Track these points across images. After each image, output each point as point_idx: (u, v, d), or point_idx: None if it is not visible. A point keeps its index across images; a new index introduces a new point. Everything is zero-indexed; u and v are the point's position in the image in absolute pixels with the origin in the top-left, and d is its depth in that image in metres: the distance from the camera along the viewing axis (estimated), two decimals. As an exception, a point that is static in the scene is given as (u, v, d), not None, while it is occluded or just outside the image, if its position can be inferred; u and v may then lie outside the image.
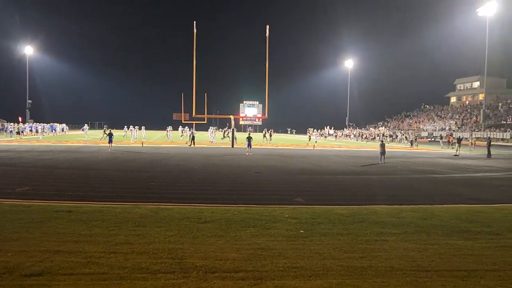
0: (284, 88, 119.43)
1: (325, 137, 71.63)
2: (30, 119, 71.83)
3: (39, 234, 7.23)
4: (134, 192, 12.55)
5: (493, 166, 24.08)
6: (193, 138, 38.39)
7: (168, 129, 51.36)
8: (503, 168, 23.08)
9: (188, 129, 55.07)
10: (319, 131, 77.77)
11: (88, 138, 48.42)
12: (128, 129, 48.81)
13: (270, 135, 50.97)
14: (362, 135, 68.53)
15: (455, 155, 33.26)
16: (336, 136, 75.35)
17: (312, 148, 40.21)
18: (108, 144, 31.20)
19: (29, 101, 74.45)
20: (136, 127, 46.42)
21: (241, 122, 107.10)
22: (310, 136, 47.40)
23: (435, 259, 6.35)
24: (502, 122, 69.67)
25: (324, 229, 8.13)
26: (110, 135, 31.29)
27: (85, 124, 57.16)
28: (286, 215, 9.28)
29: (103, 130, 50.30)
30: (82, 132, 56.05)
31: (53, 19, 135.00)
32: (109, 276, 5.33)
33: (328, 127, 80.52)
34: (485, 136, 51.43)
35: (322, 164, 23.04)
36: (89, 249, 6.41)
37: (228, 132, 49.49)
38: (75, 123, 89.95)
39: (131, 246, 6.63)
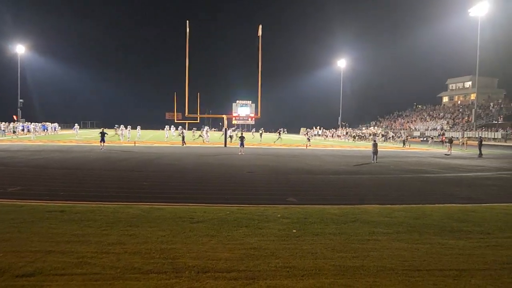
0: (277, 87, 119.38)
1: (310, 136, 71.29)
2: (21, 118, 71.33)
3: (31, 234, 7.19)
4: (126, 191, 12.51)
5: (484, 166, 24.27)
6: (183, 138, 38.37)
7: (166, 129, 51.33)
8: (494, 168, 23.27)
9: (180, 129, 54.95)
10: (310, 131, 77.68)
11: (79, 138, 48.08)
12: (119, 128, 48.48)
13: (279, 135, 50.17)
14: (353, 135, 68.51)
15: (446, 154, 33.54)
16: (325, 136, 74.86)
17: (305, 147, 40.28)
18: (100, 144, 30.86)
19: (21, 100, 73.91)
20: (128, 126, 46.16)
21: (234, 122, 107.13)
22: (308, 137, 47.78)
23: (426, 259, 6.39)
24: (494, 121, 70.27)
25: (316, 228, 8.16)
26: (103, 134, 30.89)
27: (76, 124, 56.65)
28: (279, 215, 9.30)
29: (114, 130, 49.05)
30: (74, 131, 55.69)
31: (45, 17, 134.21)
32: (102, 276, 5.31)
33: (318, 127, 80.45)
34: (477, 136, 51.81)
35: (314, 164, 23.09)
36: (81, 249, 6.38)
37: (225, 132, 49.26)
38: (67, 123, 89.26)
39: (124, 246, 6.61)
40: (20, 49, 73.12)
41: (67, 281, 5.14)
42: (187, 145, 37.58)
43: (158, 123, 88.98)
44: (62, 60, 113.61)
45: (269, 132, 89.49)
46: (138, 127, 49.46)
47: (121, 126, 46.95)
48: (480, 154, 32.30)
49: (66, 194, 11.56)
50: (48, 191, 12.03)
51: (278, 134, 50.72)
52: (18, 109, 72.98)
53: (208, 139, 47.37)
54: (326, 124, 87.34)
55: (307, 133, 51.88)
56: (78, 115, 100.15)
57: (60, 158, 23.03)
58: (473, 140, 49.84)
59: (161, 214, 9.13)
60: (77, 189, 12.64)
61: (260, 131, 57.65)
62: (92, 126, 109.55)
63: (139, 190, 12.91)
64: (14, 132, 50.47)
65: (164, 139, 47.65)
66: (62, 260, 5.86)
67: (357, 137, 65.44)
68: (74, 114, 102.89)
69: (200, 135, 46.02)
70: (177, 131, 52.91)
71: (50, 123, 65.92)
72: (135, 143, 37.97)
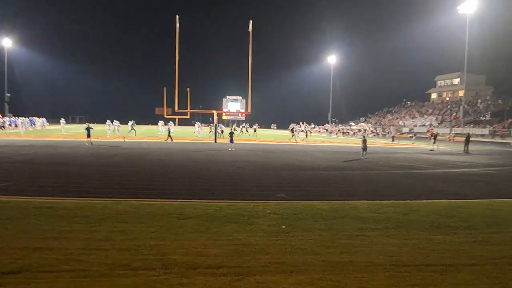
0: (268, 83, 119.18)
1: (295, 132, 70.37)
2: (8, 113, 70.45)
3: (18, 231, 7.11)
4: (115, 187, 12.44)
5: (472, 162, 24.52)
6: (169, 133, 38.14)
7: (160, 124, 51.03)
8: (481, 164, 23.52)
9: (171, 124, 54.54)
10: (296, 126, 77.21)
11: (66, 133, 47.52)
12: (112, 123, 47.74)
13: (293, 131, 48.72)
14: (338, 130, 68.53)
15: (431, 150, 33.86)
16: (310, 132, 73.98)
17: (295, 143, 40.36)
18: (86, 139, 30.23)
19: (8, 94, 72.94)
20: (116, 122, 45.59)
21: (224, 117, 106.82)
22: (306, 132, 47.56)
23: (414, 254, 6.45)
24: (481, 118, 70.96)
25: (306, 224, 8.19)
26: (88, 129, 30.24)
27: (62, 118, 55.84)
28: (268, 211, 9.31)
29: (130, 125, 47.80)
30: (61, 126, 55.00)
31: (33, 11, 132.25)
32: (90, 273, 5.28)
33: (303, 123, 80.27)
34: (464, 132, 52.30)
35: (305, 160, 23.15)
36: (69, 246, 6.33)
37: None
38: (54, 118, 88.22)
39: (112, 243, 6.57)
40: (7, 42, 72.11)
41: (54, 278, 5.10)
42: (174, 140, 37.25)
43: (148, 118, 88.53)
44: (49, 54, 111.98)
45: (260, 128, 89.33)
46: (133, 122, 49.03)
47: (107, 121, 46.12)
48: (466, 151, 32.63)
49: (54, 190, 11.45)
50: (35, 187, 11.91)
51: (291, 131, 49.07)
52: (5, 104, 72.07)
53: (199, 135, 47.21)
54: (317, 120, 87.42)
55: (292, 129, 50.30)
56: (68, 109, 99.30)
57: (49, 153, 22.80)
58: (461, 137, 50.27)
59: (150, 210, 9.09)
60: (65, 185, 12.53)
61: (254, 127, 57.65)
62: (81, 121, 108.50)
63: (128, 186, 12.84)
64: (3, 127, 49.76)
65: (158, 134, 47.51)
66: (49, 257, 5.82)
67: (336, 132, 65.13)
68: (63, 108, 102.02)
69: (221, 131, 45.25)
70: (165, 126, 52.51)
71: (37, 118, 65.13)
72: (124, 139, 37.68)
